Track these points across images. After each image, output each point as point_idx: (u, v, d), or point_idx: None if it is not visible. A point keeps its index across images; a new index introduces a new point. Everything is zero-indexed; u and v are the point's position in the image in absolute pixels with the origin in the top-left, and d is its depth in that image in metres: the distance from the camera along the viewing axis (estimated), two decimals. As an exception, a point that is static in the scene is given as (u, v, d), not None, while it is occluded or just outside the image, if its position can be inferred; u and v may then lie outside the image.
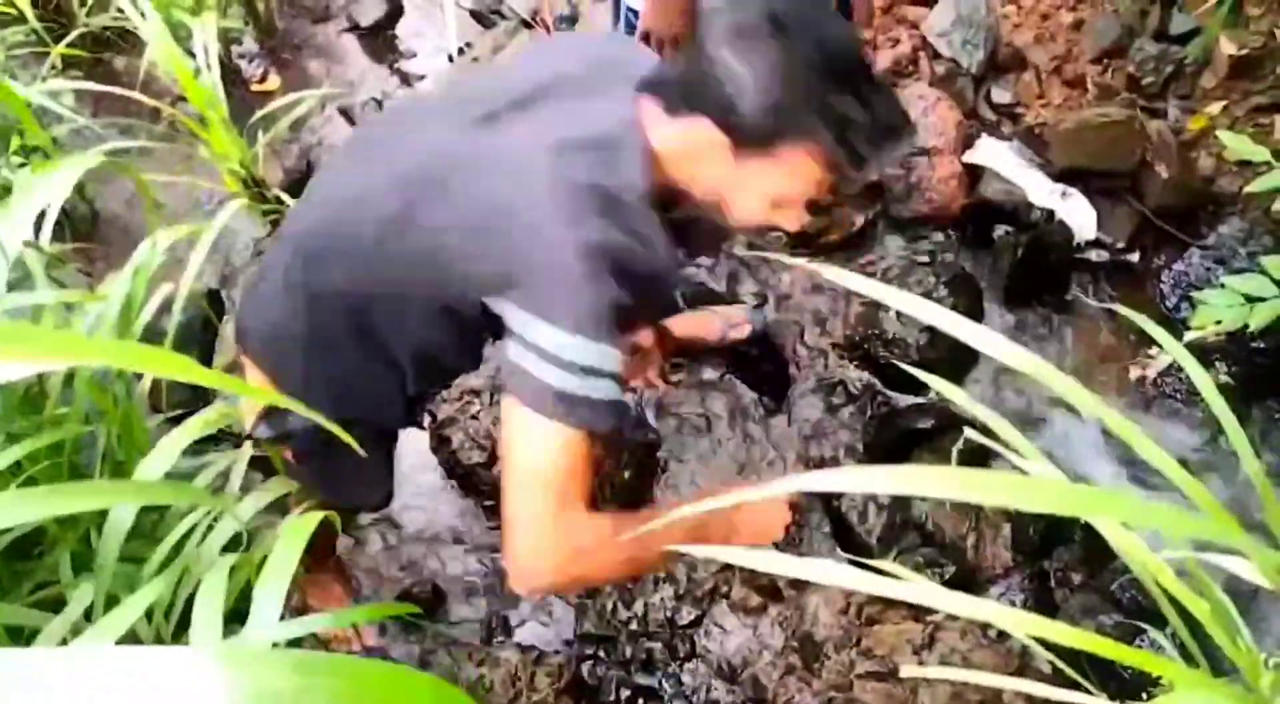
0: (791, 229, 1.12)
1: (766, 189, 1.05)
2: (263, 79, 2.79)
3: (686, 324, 2.04)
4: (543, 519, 0.99)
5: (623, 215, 1.01)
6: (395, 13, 3.05)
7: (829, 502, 1.83)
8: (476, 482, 1.88)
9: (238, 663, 0.37)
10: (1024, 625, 0.58)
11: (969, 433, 1.04)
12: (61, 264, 1.77)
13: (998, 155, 2.37)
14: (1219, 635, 0.84)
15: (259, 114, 2.24)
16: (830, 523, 1.82)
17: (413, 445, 1.94)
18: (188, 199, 2.32)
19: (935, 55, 2.63)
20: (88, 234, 2.22)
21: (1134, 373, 2.03)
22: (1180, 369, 1.88)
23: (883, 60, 2.60)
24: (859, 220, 2.35)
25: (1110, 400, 1.91)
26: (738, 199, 1.07)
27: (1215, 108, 2.34)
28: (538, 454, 0.99)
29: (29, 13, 2.17)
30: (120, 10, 2.08)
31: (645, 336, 1.66)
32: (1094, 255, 2.24)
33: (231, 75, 2.61)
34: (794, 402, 2.03)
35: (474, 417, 1.88)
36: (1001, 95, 2.58)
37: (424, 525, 1.89)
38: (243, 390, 0.56)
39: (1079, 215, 2.25)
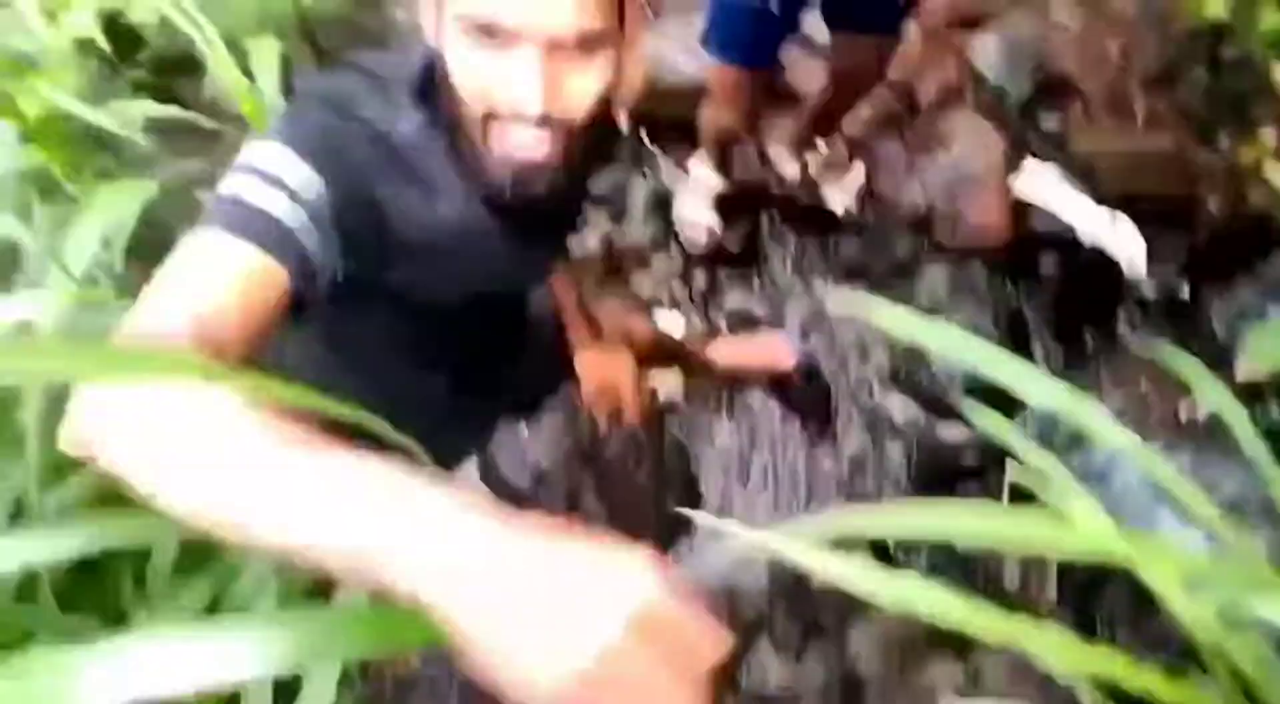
0: (527, 94, 0.83)
1: (445, 14, 0.85)
2: (319, 102, 2.86)
3: (731, 351, 2.06)
4: (136, 321, 0.70)
5: (372, 84, 0.92)
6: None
7: (872, 532, 1.84)
8: (522, 508, 1.90)
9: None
10: (1071, 653, 0.57)
11: (1012, 473, 1.05)
12: (131, 286, 1.83)
13: (1046, 184, 2.37)
14: (1264, 685, 0.84)
15: (316, 137, 2.30)
16: (873, 555, 1.82)
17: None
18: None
19: (982, 83, 2.63)
20: (154, 256, 2.29)
21: (1184, 410, 2.01)
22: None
23: (929, 87, 2.60)
24: (904, 248, 2.37)
25: (1161, 437, 1.89)
26: (445, 38, 0.86)
27: (1269, 137, 2.32)
28: (174, 260, 0.77)
29: (99, 37, 2.25)
30: (186, 35, 2.14)
31: (613, 370, 1.53)
32: (1144, 287, 2.22)
33: (290, 98, 2.68)
34: (838, 432, 2.03)
35: (519, 444, 1.91)
36: (1049, 123, 2.57)
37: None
38: (316, 404, 0.56)
39: (1129, 246, 2.23)
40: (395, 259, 0.96)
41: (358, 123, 0.89)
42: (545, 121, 0.85)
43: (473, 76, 0.85)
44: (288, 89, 2.67)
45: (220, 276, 0.75)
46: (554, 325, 1.53)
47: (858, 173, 2.49)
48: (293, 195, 0.80)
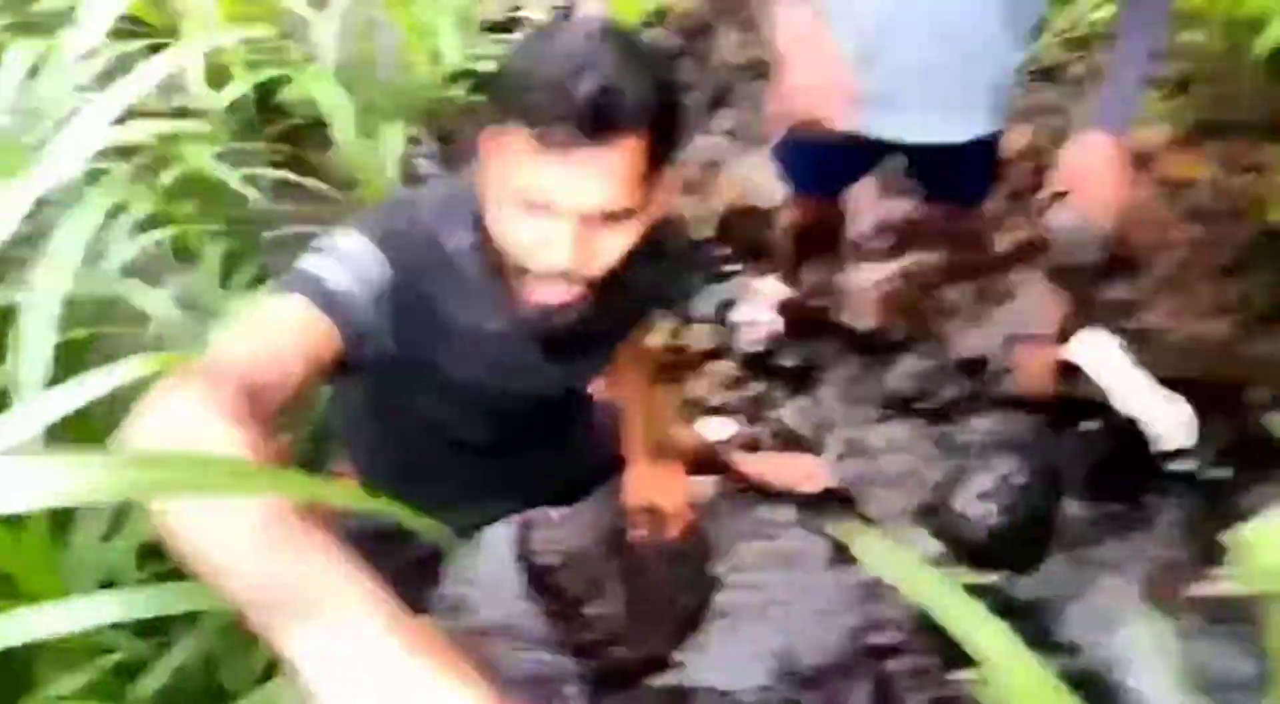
0: (559, 257, 0.95)
1: (493, 181, 0.98)
2: (434, 177, 3.09)
3: (765, 465, 2.15)
4: (207, 356, 0.81)
5: (441, 202, 1.08)
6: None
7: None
8: (549, 585, 2.00)
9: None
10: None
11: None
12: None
13: (1099, 351, 2.43)
14: None
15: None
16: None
17: (496, 536, 2.07)
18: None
19: (1052, 247, 2.73)
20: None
21: (1198, 590, 2.02)
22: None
23: (1002, 245, 2.72)
24: (954, 390, 2.45)
25: (1169, 613, 1.91)
26: (490, 198, 1.00)
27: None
28: (247, 313, 0.92)
29: (251, 106, 2.51)
30: (317, 106, 2.37)
31: (664, 493, 1.64)
32: (1183, 464, 2.25)
33: (408, 172, 2.91)
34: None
35: (555, 525, 2.02)
36: (1113, 294, 2.64)
37: (485, 615, 1.99)
38: (360, 504, 0.63)
39: (1173, 423, 2.27)
40: (439, 347, 1.11)
41: (421, 229, 1.06)
42: (571, 276, 0.98)
43: (511, 236, 0.98)
44: (407, 167, 2.92)
45: (281, 326, 0.90)
46: (607, 422, 1.63)
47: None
48: (357, 274, 0.96)
